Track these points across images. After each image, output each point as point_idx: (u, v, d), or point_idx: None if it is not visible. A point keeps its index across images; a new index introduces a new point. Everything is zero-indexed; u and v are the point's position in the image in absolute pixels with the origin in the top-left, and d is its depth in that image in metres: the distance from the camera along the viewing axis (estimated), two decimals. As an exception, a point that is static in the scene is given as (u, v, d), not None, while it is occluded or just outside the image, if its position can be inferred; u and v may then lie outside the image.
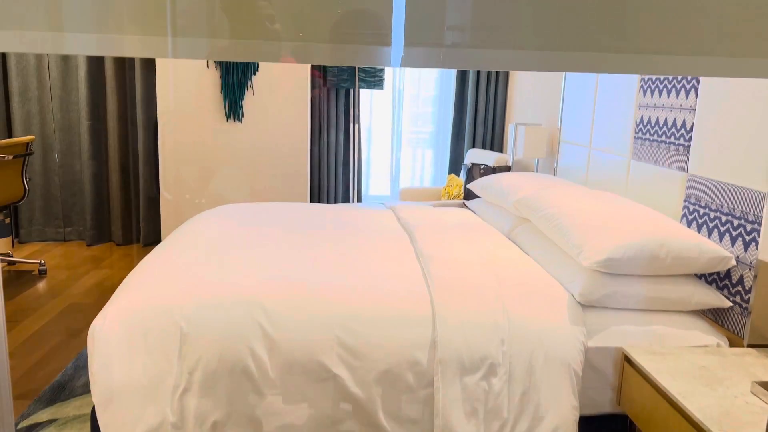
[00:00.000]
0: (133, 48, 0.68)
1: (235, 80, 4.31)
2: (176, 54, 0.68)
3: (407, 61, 0.69)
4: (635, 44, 0.68)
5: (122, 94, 4.71)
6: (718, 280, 2.17)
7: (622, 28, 0.67)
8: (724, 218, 2.12)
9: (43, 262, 4.05)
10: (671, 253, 2.03)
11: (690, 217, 2.32)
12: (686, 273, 2.10)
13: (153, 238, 4.85)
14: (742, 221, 2.02)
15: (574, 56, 0.68)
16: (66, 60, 4.65)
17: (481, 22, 0.68)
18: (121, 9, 0.67)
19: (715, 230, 2.17)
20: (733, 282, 2.08)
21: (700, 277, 2.26)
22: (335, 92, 4.84)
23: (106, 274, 4.11)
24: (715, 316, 2.18)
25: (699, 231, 2.26)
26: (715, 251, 2.03)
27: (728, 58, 0.68)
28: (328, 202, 5.02)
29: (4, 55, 4.59)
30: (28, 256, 4.46)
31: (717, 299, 2.08)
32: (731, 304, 2.08)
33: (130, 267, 4.31)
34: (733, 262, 2.04)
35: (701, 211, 2.25)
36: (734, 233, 2.07)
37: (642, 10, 0.67)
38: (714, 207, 2.17)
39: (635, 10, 0.67)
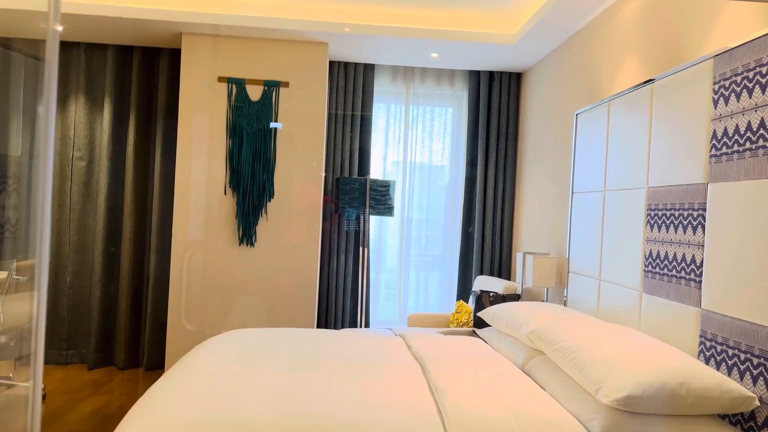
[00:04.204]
0: None
1: (250, 206, 4.44)
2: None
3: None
4: None
5: (139, 219, 4.84)
6: (743, 421, 2.10)
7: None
8: (743, 356, 2.09)
9: (42, 386, 3.95)
10: (692, 392, 1.99)
11: (707, 354, 2.29)
12: (709, 413, 2.04)
13: (156, 363, 4.76)
14: (762, 360, 2.00)
15: None
16: (88, 185, 4.83)
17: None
18: None
19: (735, 368, 2.13)
20: (759, 424, 2.01)
21: (723, 417, 2.19)
22: (346, 217, 4.96)
23: (106, 399, 4.00)
24: (743, 460, 2.09)
25: (718, 368, 2.23)
26: (738, 391, 1.99)
27: None
28: (335, 326, 4.98)
29: (29, 177, 4.78)
30: (28, 378, 4.35)
31: (744, 442, 2.00)
32: (759, 447, 2.00)
33: (131, 393, 4.20)
34: (757, 403, 1.99)
35: (719, 347, 2.22)
36: (755, 372, 2.03)
37: None
38: (731, 344, 2.15)
39: None
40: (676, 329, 2.51)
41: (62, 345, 4.79)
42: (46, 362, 4.77)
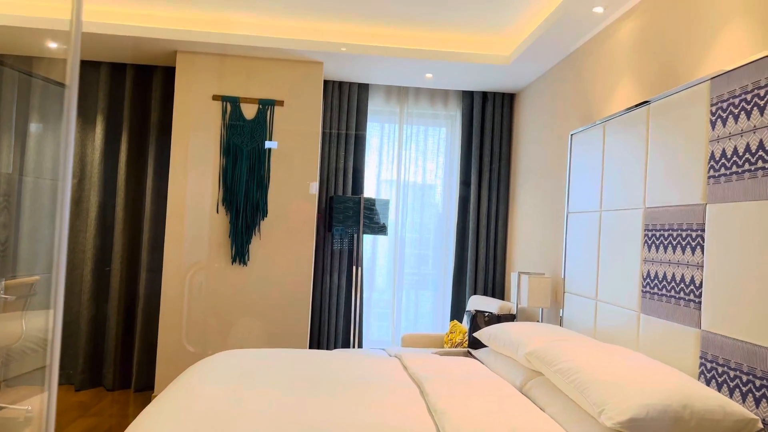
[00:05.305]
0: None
1: (243, 225, 4.41)
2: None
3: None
4: None
5: (131, 237, 4.79)
6: (746, 443, 2.08)
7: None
8: (744, 377, 2.08)
9: (30, 408, 3.87)
10: (695, 414, 1.97)
11: (708, 375, 2.28)
12: (712, 435, 2.03)
13: (146, 384, 4.68)
14: (765, 381, 1.99)
15: None
16: (79, 203, 4.78)
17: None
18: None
19: (737, 390, 2.12)
20: (762, 446, 2.00)
21: (725, 439, 2.17)
22: (340, 236, 4.94)
23: (95, 422, 3.91)
24: (746, 484, 2.06)
25: (719, 390, 2.22)
26: (741, 413, 1.98)
27: None
28: (328, 346, 4.93)
29: (19, 192, 4.72)
30: (14, 401, 4.26)
31: (747, 465, 1.98)
32: (763, 470, 1.98)
33: (120, 415, 4.11)
34: (760, 425, 1.98)
35: (720, 369, 2.21)
36: (757, 394, 2.02)
37: None
38: (733, 365, 2.14)
39: None
40: (676, 350, 2.50)
41: (49, 365, 4.70)
42: (30, 383, 4.67)
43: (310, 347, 4.90)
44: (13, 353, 4.63)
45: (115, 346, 4.69)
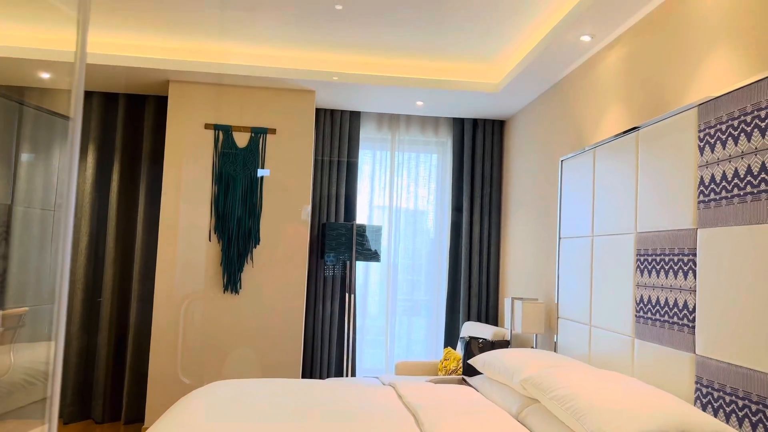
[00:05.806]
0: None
1: (235, 253, 4.39)
2: None
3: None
4: None
5: (122, 266, 4.75)
6: (744, 469, 2.07)
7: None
8: (740, 402, 2.08)
9: (17, 442, 3.79)
10: (693, 440, 1.96)
11: (704, 400, 2.27)
12: (710, 462, 2.01)
13: (136, 416, 4.60)
14: (761, 406, 1.98)
15: None
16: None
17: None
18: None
19: (733, 415, 2.11)
20: (761, 472, 1.98)
21: (723, 465, 2.15)
22: (332, 263, 4.92)
23: (83, 456, 3.83)
24: None
25: (715, 415, 2.21)
26: (738, 439, 1.97)
27: None
28: (320, 374, 4.87)
29: (9, 223, 4.69)
30: (0, 435, 4.17)
31: (746, 492, 1.96)
32: (762, 497, 1.96)
33: (110, 448, 4.03)
34: (758, 451, 1.96)
35: (715, 394, 2.21)
36: (754, 419, 2.02)
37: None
38: (728, 390, 2.14)
39: None
40: (671, 375, 2.49)
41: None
42: (19, 417, 4.58)
43: (303, 376, 4.85)
44: (2, 387, 4.55)
45: (105, 378, 4.62)
